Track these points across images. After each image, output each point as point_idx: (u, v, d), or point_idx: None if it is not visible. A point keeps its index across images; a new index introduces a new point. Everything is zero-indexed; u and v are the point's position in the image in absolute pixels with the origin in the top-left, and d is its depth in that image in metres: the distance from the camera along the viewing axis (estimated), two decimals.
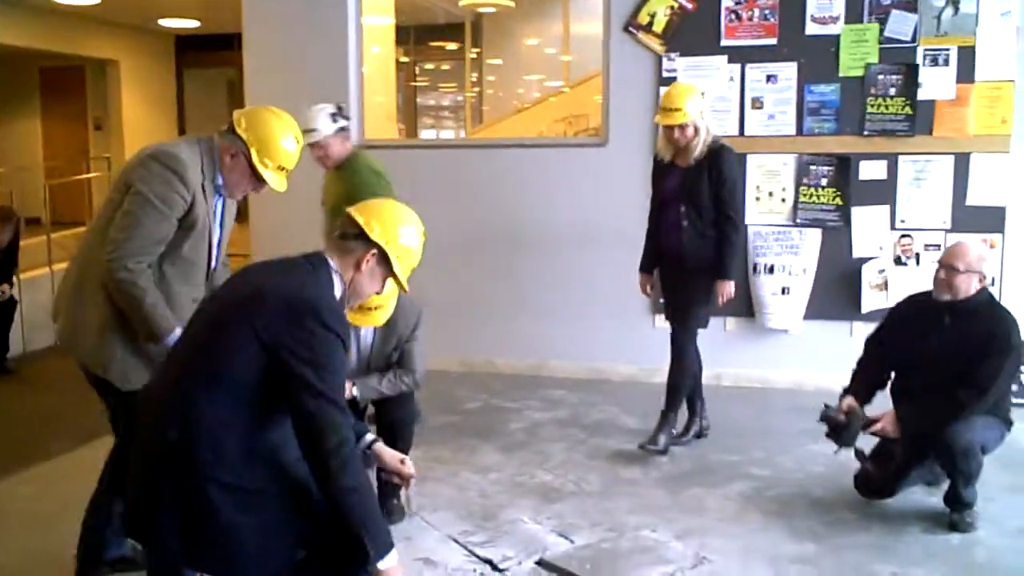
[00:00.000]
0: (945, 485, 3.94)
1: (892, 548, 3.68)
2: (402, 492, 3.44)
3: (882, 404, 4.06)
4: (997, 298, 4.13)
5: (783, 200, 5.95)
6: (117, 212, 3.02)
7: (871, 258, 5.85)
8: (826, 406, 3.97)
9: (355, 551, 2.42)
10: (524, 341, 6.43)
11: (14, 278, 7.38)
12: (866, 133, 5.78)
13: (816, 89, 5.83)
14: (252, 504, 2.40)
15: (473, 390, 6.02)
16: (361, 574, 2.46)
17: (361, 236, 2.58)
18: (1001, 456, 4.15)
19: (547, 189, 6.33)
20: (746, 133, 5.93)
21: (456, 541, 3.75)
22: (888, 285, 5.81)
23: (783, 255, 5.94)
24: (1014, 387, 4.82)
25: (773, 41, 5.85)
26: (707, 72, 5.92)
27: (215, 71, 12.70)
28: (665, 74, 5.99)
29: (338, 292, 2.58)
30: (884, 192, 5.80)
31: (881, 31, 5.71)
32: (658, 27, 6.01)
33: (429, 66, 13.83)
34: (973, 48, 5.61)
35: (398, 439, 3.69)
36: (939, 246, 5.58)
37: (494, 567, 3.52)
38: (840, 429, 3.93)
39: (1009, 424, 3.95)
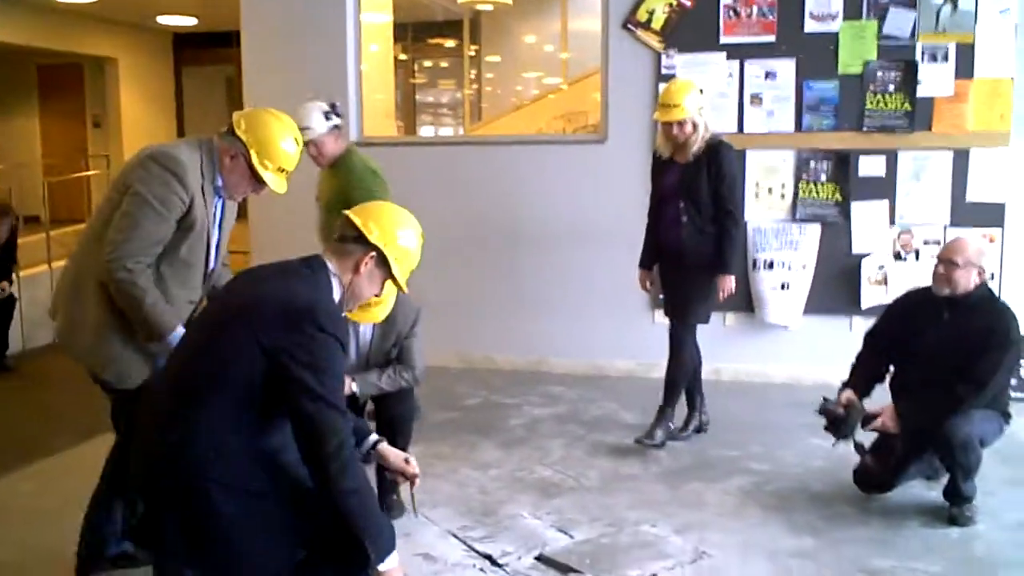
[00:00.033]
0: (944, 479, 3.95)
1: (891, 542, 3.68)
2: (402, 489, 3.45)
3: (880, 397, 4.07)
4: (996, 293, 4.14)
5: (782, 196, 5.96)
6: (116, 212, 3.02)
7: (870, 253, 5.86)
8: (824, 399, 3.98)
9: (356, 552, 2.43)
10: (523, 337, 6.44)
11: (13, 275, 7.39)
12: (865, 129, 5.78)
13: (815, 86, 5.84)
14: (253, 505, 2.41)
15: (473, 386, 6.02)
16: (362, 575, 2.46)
17: (359, 238, 2.59)
18: (1000, 450, 4.16)
19: (546, 186, 6.34)
20: (745, 130, 5.93)
21: (456, 536, 3.75)
22: (887, 281, 5.81)
23: (782, 251, 5.95)
24: (1013, 381, 4.84)
25: (772, 38, 5.85)
26: (706, 69, 5.91)
27: (213, 69, 12.69)
28: (664, 71, 5.99)
29: (337, 295, 2.58)
30: (883, 188, 5.80)
31: (880, 28, 5.71)
32: (657, 24, 6.02)
33: (428, 63, 13.82)
34: (972, 45, 5.61)
35: (397, 435, 3.69)
36: (938, 242, 5.60)
37: (493, 562, 3.53)
38: (838, 422, 3.93)
39: (1007, 417, 3.96)
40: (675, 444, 4.82)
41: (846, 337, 5.44)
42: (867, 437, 4.02)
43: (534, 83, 13.07)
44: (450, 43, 12.85)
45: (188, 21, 11.74)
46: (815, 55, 5.79)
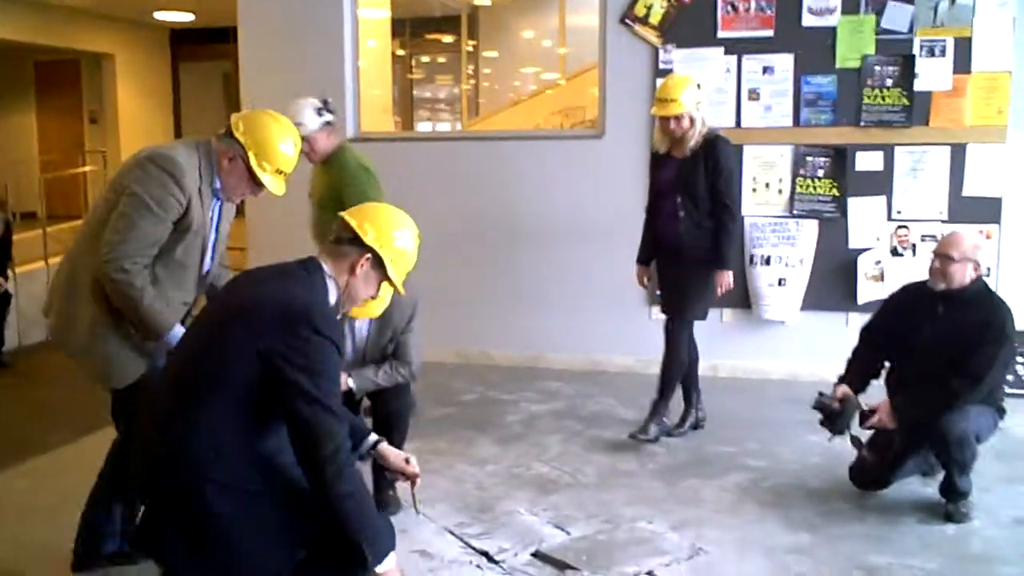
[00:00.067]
0: (940, 475, 3.95)
1: (887, 538, 3.68)
2: (400, 487, 3.44)
3: (876, 393, 4.06)
4: (992, 288, 4.13)
5: (780, 191, 5.95)
6: (113, 213, 3.02)
7: (867, 249, 5.86)
8: (820, 394, 3.97)
9: (355, 552, 2.43)
10: (520, 333, 6.43)
11: (9, 271, 7.38)
12: (863, 124, 5.78)
13: (813, 80, 5.83)
14: (253, 505, 2.41)
15: (469, 382, 6.02)
16: (361, 574, 2.46)
17: (355, 240, 2.58)
18: (996, 447, 4.16)
19: (543, 181, 6.33)
20: (743, 125, 5.92)
21: (452, 533, 3.75)
22: (884, 276, 5.81)
23: (780, 246, 5.94)
24: (1009, 378, 4.84)
25: (770, 33, 5.84)
26: (704, 64, 5.90)
27: (210, 64, 12.68)
28: (662, 66, 5.98)
29: (333, 297, 2.58)
30: (880, 183, 5.80)
31: (878, 22, 5.70)
32: (654, 19, 6.00)
33: (425, 59, 13.79)
34: (970, 39, 5.60)
35: (394, 431, 3.69)
36: (935, 237, 5.56)
37: (490, 559, 3.52)
38: (834, 416, 3.93)
39: (1002, 412, 3.95)
40: (672, 440, 4.82)
41: (843, 333, 5.43)
42: (864, 433, 4.02)
43: (532, 78, 13.04)
44: (448, 39, 12.82)
45: (185, 17, 11.73)
46: (813, 50, 5.78)
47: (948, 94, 5.66)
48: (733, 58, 5.90)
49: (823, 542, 3.64)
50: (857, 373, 4.08)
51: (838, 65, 5.77)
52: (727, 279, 4.70)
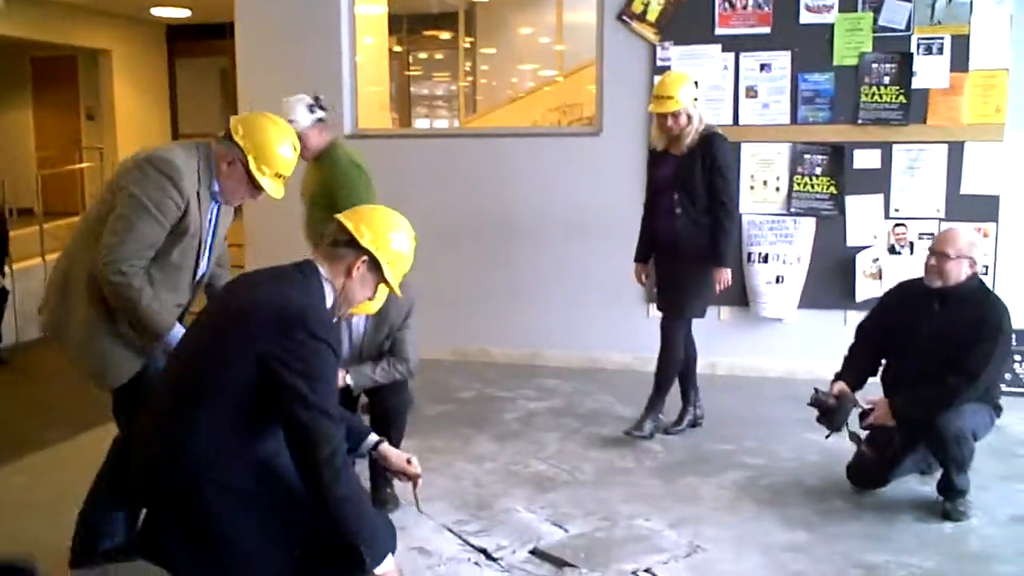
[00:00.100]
0: (938, 473, 3.95)
1: (885, 537, 3.68)
2: (399, 485, 3.44)
3: (873, 389, 4.06)
4: (989, 286, 4.13)
5: (777, 189, 5.95)
6: (111, 214, 3.01)
7: (865, 247, 5.86)
8: (816, 390, 3.97)
9: (354, 553, 2.43)
10: (518, 330, 6.43)
11: (6, 268, 7.36)
12: (860, 122, 5.78)
13: (810, 78, 5.83)
14: (251, 505, 2.42)
15: (467, 379, 6.01)
16: (360, 574, 2.46)
17: (351, 243, 2.58)
18: (993, 445, 4.17)
19: (541, 178, 6.32)
20: (740, 122, 5.92)
21: (450, 530, 3.75)
22: (882, 274, 5.81)
23: (777, 244, 5.94)
24: (1007, 376, 4.84)
25: (767, 30, 5.84)
26: (701, 61, 5.90)
27: (207, 60, 12.67)
28: (659, 63, 5.97)
29: (329, 300, 2.58)
30: (878, 181, 5.80)
31: (875, 20, 5.70)
32: (652, 16, 6.00)
33: (423, 55, 13.78)
34: (967, 37, 5.60)
35: (391, 428, 3.69)
36: (933, 235, 5.57)
37: (488, 556, 3.52)
38: (831, 413, 3.93)
39: (998, 410, 3.95)
40: (670, 438, 4.82)
41: (841, 330, 5.42)
42: (862, 430, 4.02)
43: (529, 75, 13.02)
44: (445, 35, 12.81)
45: (182, 13, 11.71)
46: (810, 47, 5.78)
47: (945, 92, 5.66)
48: (730, 55, 5.90)
49: (820, 540, 3.64)
50: (854, 370, 4.08)
51: (835, 63, 5.77)
52: (725, 276, 4.71)
